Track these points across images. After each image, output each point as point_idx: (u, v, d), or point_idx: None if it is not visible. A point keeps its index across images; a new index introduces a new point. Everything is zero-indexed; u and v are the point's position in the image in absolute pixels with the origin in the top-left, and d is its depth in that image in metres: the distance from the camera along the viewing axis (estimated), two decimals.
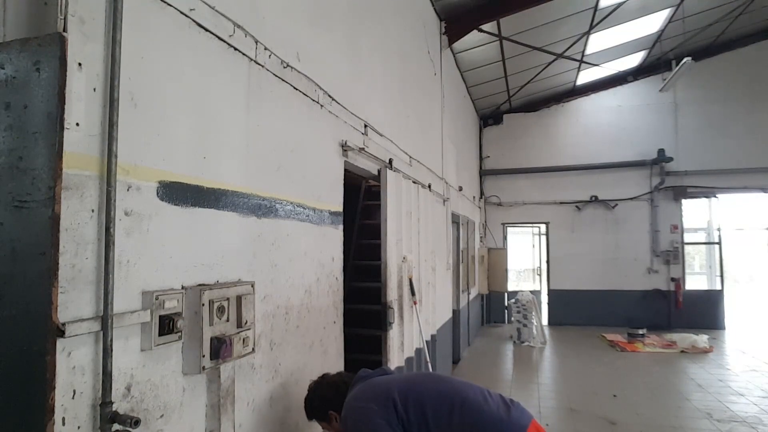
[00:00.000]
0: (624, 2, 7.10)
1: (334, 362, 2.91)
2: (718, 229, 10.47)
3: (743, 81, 10.15)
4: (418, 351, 4.44)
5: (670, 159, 10.20)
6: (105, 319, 1.27)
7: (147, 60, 1.48)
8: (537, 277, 11.87)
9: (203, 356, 1.59)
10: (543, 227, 11.37)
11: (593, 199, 10.74)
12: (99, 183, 1.29)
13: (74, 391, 1.21)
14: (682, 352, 8.05)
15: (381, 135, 3.87)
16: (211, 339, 1.63)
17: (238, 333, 1.77)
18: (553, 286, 11.01)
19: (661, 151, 10.28)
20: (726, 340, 9.17)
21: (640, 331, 8.92)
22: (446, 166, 6.71)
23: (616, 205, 10.60)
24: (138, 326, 1.41)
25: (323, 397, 2.06)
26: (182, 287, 1.59)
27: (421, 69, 5.45)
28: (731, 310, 10.73)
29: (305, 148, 2.56)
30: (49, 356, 1.07)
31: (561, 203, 10.96)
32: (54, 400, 1.08)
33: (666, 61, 9.53)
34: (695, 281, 11.83)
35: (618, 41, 8.76)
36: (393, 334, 3.76)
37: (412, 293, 4.18)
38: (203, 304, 1.60)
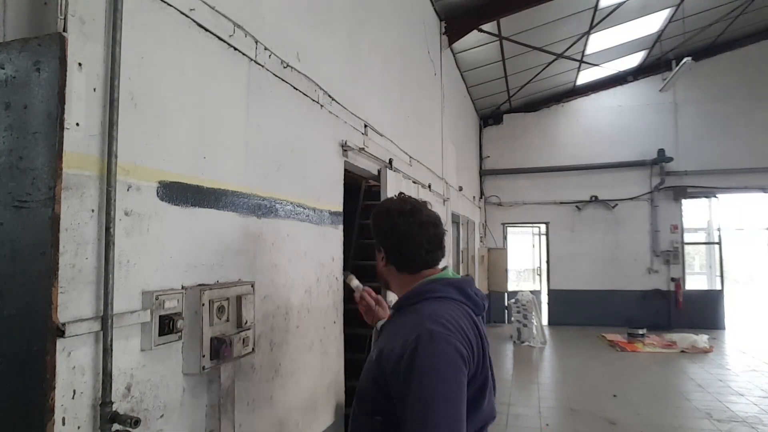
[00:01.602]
0: (624, 2, 7.09)
1: (334, 362, 2.91)
2: (718, 229, 10.47)
3: (743, 81, 10.15)
4: None
5: (670, 159, 10.20)
6: (105, 319, 1.27)
7: (147, 60, 1.48)
8: (537, 277, 11.87)
9: (203, 356, 1.59)
10: (543, 227, 11.37)
11: (593, 199, 10.74)
12: (99, 183, 1.29)
13: (74, 391, 1.21)
14: (682, 352, 8.04)
15: (381, 135, 3.87)
16: (211, 339, 1.63)
17: (238, 333, 1.77)
18: (553, 286, 11.01)
19: (661, 151, 10.28)
20: (726, 340, 9.17)
21: (640, 331, 8.92)
22: (446, 166, 6.71)
23: (616, 205, 10.59)
24: (138, 326, 1.41)
25: (376, 223, 1.43)
26: (182, 287, 1.59)
27: (421, 69, 5.45)
28: (731, 310, 10.73)
29: (305, 148, 2.56)
30: (49, 356, 1.07)
31: (561, 203, 10.96)
32: (54, 400, 1.08)
33: (666, 61, 9.53)
34: (695, 281, 11.83)
35: (618, 41, 8.76)
36: None
37: None
38: (203, 304, 1.60)
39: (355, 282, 1.78)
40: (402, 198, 1.45)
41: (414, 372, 1.11)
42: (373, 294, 1.77)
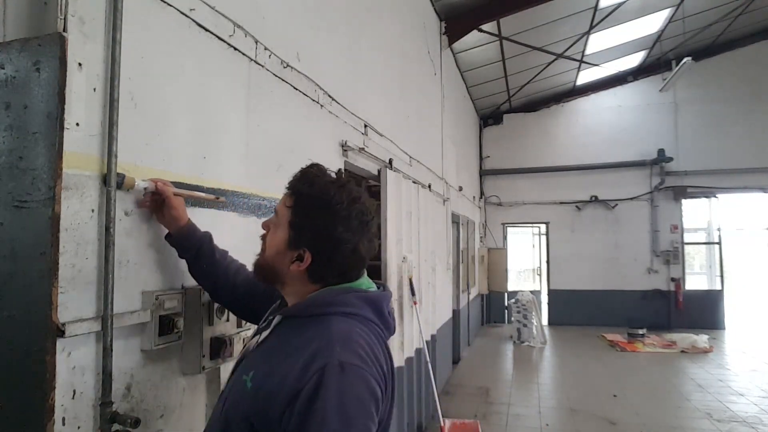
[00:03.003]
0: (624, 2, 7.09)
1: None
2: (718, 229, 10.47)
3: (743, 81, 10.15)
4: (418, 351, 4.44)
5: (670, 159, 10.21)
6: (105, 319, 1.27)
7: (147, 60, 1.48)
8: (537, 277, 11.87)
9: (203, 356, 1.59)
10: (543, 227, 11.37)
11: (593, 199, 10.74)
12: (99, 183, 1.29)
13: (74, 391, 1.21)
14: (682, 352, 8.05)
15: (381, 135, 3.87)
16: (211, 339, 1.63)
17: (238, 333, 1.77)
18: (553, 286, 11.01)
19: (661, 151, 10.28)
20: (726, 340, 9.18)
21: (640, 331, 8.93)
22: (446, 166, 6.71)
23: (616, 205, 10.60)
24: (138, 326, 1.41)
25: (308, 217, 1.05)
26: (182, 287, 1.59)
27: (421, 69, 5.45)
28: (731, 310, 10.74)
29: (305, 148, 2.56)
30: (49, 356, 1.07)
31: (561, 203, 10.96)
32: (54, 400, 1.08)
33: (666, 61, 9.54)
34: (695, 281, 11.84)
35: (618, 41, 8.76)
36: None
37: (412, 293, 4.18)
38: (203, 304, 1.60)
39: (142, 184, 1.37)
40: (352, 195, 1.06)
41: (313, 417, 0.83)
42: (167, 184, 1.42)
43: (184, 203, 1.48)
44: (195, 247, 1.45)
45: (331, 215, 1.02)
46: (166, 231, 1.48)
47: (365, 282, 1.10)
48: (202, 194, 1.62)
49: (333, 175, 1.12)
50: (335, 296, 1.03)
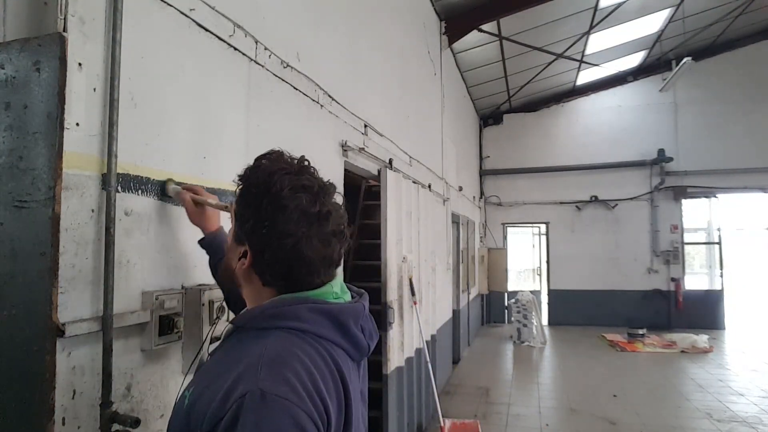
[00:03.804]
0: (624, 2, 7.09)
1: None
2: (718, 229, 10.47)
3: (743, 81, 10.14)
4: (418, 351, 4.44)
5: (670, 159, 10.20)
6: (105, 319, 1.27)
7: (147, 60, 1.48)
8: (537, 277, 11.87)
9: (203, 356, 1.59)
10: (543, 227, 11.37)
11: (593, 199, 10.74)
12: (99, 183, 1.29)
13: (74, 391, 1.21)
14: (682, 352, 8.05)
15: (381, 135, 3.87)
16: (212, 339, 1.63)
17: None
18: (553, 286, 11.01)
19: (661, 151, 10.28)
20: (726, 340, 9.17)
21: (640, 331, 8.93)
22: (446, 166, 6.71)
23: (616, 205, 10.59)
24: (138, 326, 1.41)
25: (251, 206, 0.91)
26: (182, 287, 1.59)
27: (421, 69, 5.45)
28: (731, 310, 10.73)
29: (305, 148, 2.55)
30: (49, 356, 1.07)
31: (561, 203, 10.96)
32: (54, 400, 1.08)
33: (666, 61, 9.54)
34: (695, 281, 11.83)
35: (618, 41, 8.76)
36: (393, 334, 3.76)
37: (412, 293, 4.18)
38: (203, 304, 1.60)
39: (172, 189, 1.52)
40: (300, 182, 0.91)
41: None
42: (197, 192, 1.53)
43: (216, 212, 1.51)
44: (217, 255, 1.43)
45: (268, 203, 0.87)
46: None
47: (334, 291, 0.91)
48: (213, 202, 1.55)
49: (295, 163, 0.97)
50: (282, 307, 0.85)
